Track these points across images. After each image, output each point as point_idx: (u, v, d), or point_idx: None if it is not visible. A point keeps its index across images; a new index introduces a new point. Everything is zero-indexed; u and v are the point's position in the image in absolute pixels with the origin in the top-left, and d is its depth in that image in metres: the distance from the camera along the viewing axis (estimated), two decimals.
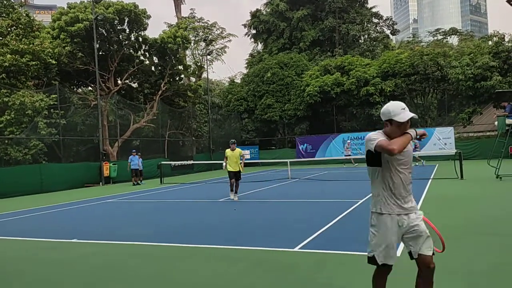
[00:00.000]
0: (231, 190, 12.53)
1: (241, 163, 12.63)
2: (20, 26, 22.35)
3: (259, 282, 4.79)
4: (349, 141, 29.42)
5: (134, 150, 22.29)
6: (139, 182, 21.59)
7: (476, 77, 28.19)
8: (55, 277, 5.47)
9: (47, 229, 9.26)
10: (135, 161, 21.52)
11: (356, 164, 27.69)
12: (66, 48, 24.69)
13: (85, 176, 22.32)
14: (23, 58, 21.27)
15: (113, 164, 23.64)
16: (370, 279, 4.59)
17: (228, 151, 12.52)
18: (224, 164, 12.63)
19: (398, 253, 5.59)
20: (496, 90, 23.86)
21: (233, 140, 12.67)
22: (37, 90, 22.21)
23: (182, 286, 4.85)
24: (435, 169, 20.88)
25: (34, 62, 21.68)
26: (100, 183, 22.70)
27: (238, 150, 12.53)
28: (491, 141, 22.70)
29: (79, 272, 5.60)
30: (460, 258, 5.28)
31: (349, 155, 27.84)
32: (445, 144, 28.63)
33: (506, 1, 26.73)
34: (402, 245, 5.93)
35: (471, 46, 32.68)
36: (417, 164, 25.41)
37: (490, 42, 32.24)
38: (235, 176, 12.47)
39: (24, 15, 22.87)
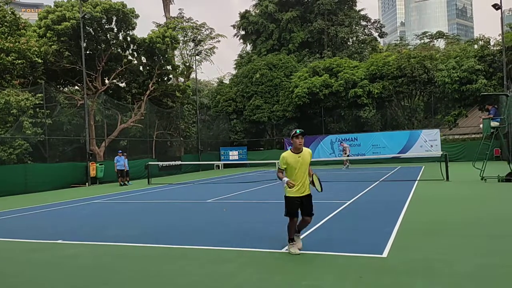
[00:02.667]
0: (291, 239, 6.02)
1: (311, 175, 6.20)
2: (5, 24, 21.98)
3: (247, 283, 4.78)
4: (344, 143, 29.08)
5: (120, 151, 22.09)
6: (126, 182, 21.39)
7: (462, 80, 28.63)
8: (40, 279, 5.39)
9: (32, 230, 9.11)
10: (121, 162, 21.34)
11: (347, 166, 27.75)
12: (52, 46, 24.36)
13: (71, 177, 22.05)
14: (9, 57, 20.93)
15: (100, 165, 23.40)
16: (358, 280, 4.63)
17: (287, 154, 5.93)
18: (285, 180, 5.89)
19: (385, 253, 5.65)
20: (481, 93, 24.25)
21: (300, 130, 5.90)
22: (22, 89, 21.86)
23: (170, 287, 4.82)
24: (421, 171, 21.12)
25: (19, 61, 21.34)
26: (87, 183, 22.44)
27: (308, 150, 6.04)
28: (476, 143, 23.06)
29: (65, 274, 5.52)
30: (444, 259, 5.33)
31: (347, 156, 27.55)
32: (431, 146, 29.00)
33: (492, 5, 27.21)
34: (389, 243, 6.00)
35: (457, 50, 33.17)
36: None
37: (475, 46, 32.77)
38: (303, 206, 5.99)
39: (10, 12, 22.51)
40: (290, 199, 5.97)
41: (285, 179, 5.89)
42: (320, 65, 34.74)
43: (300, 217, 6.01)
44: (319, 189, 6.26)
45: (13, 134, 20.30)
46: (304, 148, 5.99)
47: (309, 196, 6.02)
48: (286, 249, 6.08)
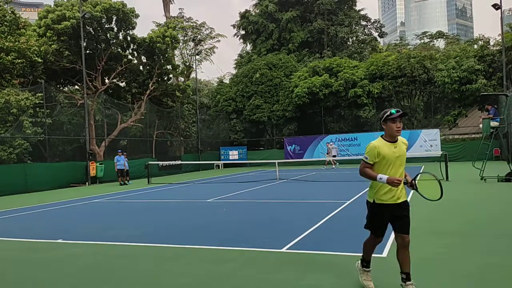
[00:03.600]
0: (365, 262, 4.46)
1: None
2: (5, 23, 21.98)
3: (247, 282, 4.79)
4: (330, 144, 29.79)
5: (120, 150, 22.10)
6: (126, 182, 21.41)
7: (461, 80, 28.64)
8: (40, 279, 5.39)
9: (32, 229, 9.12)
10: (121, 161, 21.35)
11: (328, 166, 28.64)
12: (52, 46, 24.36)
13: (71, 176, 22.06)
14: (9, 56, 20.93)
15: (99, 164, 23.40)
16: (357, 280, 4.63)
17: (380, 143, 4.10)
18: (383, 177, 3.97)
19: (385, 253, 5.65)
20: (481, 93, 24.26)
21: (397, 110, 4.05)
22: (22, 88, 21.86)
23: (170, 286, 4.83)
24: (421, 171, 21.09)
25: (19, 60, 21.35)
26: (87, 183, 22.45)
27: (404, 140, 4.23)
28: (476, 143, 23.07)
29: (65, 273, 5.53)
30: (444, 258, 5.34)
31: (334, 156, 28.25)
32: (431, 146, 29.00)
33: (492, 5, 27.21)
34: (389, 243, 6.01)
35: (457, 50, 33.16)
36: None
37: (475, 46, 32.78)
38: (397, 218, 4.14)
39: (10, 12, 22.50)
40: (378, 208, 4.13)
41: (384, 176, 3.96)
42: (320, 65, 34.74)
43: (386, 239, 4.40)
44: (434, 197, 4.21)
45: (13, 134, 20.30)
46: (402, 138, 4.19)
47: (406, 204, 4.19)
48: (286, 249, 6.08)
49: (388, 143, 4.09)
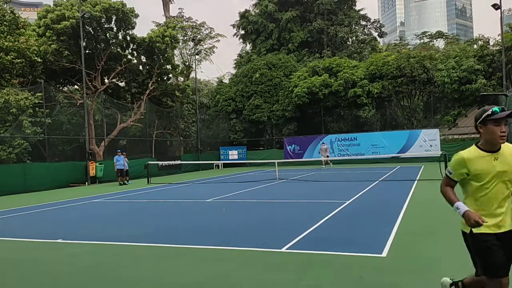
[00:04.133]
0: None
1: None
2: (4, 23, 21.97)
3: (246, 282, 4.79)
4: (327, 146, 30.28)
5: (119, 150, 22.07)
6: (125, 182, 21.39)
7: (461, 80, 28.64)
8: (40, 278, 5.39)
9: (31, 229, 9.11)
10: (121, 161, 21.33)
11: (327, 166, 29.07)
12: (52, 46, 24.35)
13: (70, 176, 22.03)
14: (8, 56, 20.92)
15: (99, 164, 23.39)
16: (357, 280, 4.63)
17: (471, 154, 3.07)
18: (461, 209, 3.07)
19: (385, 253, 5.64)
20: (481, 93, 24.27)
21: (501, 108, 2.96)
22: (22, 88, 21.85)
23: (170, 286, 4.82)
24: (421, 171, 21.13)
25: (19, 60, 21.34)
26: (86, 183, 22.43)
27: (510, 149, 3.06)
28: None
29: (64, 273, 5.52)
30: (443, 258, 5.33)
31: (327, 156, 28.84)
32: (431, 146, 29.01)
33: (491, 5, 27.23)
34: (389, 243, 6.00)
35: (456, 50, 33.16)
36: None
37: (475, 46, 32.79)
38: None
39: (9, 12, 22.49)
40: (480, 240, 3.07)
41: (462, 206, 3.10)
42: (320, 64, 34.73)
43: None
44: None
45: (12, 133, 20.28)
46: (507, 144, 3.10)
47: (510, 236, 3.06)
48: (286, 249, 6.08)
49: (485, 153, 3.03)
